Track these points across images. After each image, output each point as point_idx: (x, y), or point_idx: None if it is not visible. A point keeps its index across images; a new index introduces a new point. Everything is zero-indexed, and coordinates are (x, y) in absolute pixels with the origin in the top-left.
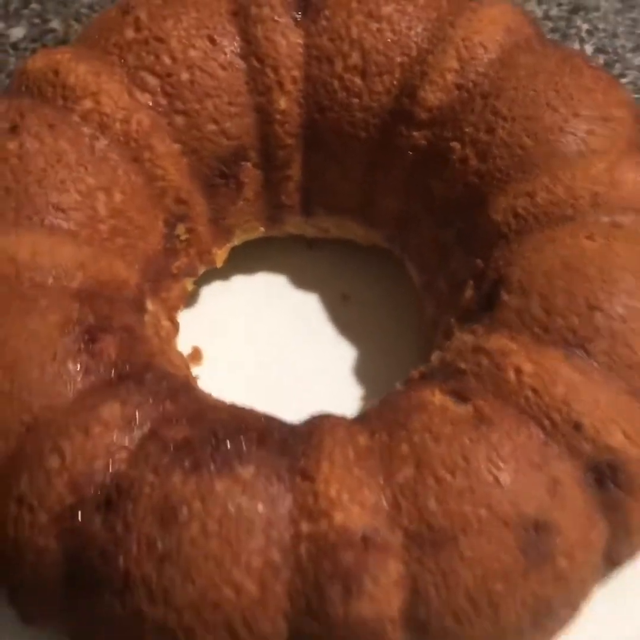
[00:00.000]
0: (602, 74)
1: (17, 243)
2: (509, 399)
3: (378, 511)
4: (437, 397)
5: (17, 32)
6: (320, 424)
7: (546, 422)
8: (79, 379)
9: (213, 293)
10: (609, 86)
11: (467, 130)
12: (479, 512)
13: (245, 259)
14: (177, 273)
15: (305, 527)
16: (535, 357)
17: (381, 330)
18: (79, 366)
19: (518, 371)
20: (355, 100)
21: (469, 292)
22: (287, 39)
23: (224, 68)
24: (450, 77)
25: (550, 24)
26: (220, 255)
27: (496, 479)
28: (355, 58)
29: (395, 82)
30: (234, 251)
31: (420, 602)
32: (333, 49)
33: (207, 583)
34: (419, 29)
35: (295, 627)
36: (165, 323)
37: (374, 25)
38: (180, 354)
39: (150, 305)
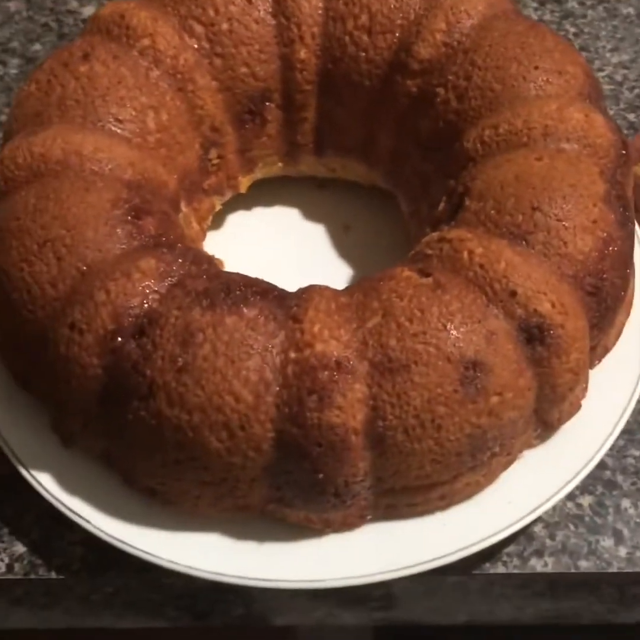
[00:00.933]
0: (561, 40)
1: (82, 140)
2: (461, 273)
3: (350, 346)
4: (405, 272)
5: (88, 11)
6: (310, 288)
7: (488, 290)
8: (124, 240)
9: (237, 219)
10: (567, 49)
11: (449, 77)
12: (428, 349)
13: (266, 194)
14: (207, 189)
15: (292, 353)
16: (485, 243)
17: (376, 255)
18: (125, 232)
19: (471, 252)
20: (362, 54)
21: (441, 206)
22: (309, 2)
23: (257, 22)
24: (438, 36)
25: None
26: (244, 182)
27: (444, 326)
28: (363, 19)
29: (395, 40)
30: (256, 187)
31: (379, 417)
32: (346, 11)
33: (213, 390)
34: None
35: (280, 431)
36: (195, 225)
37: None
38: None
39: (183, 207)
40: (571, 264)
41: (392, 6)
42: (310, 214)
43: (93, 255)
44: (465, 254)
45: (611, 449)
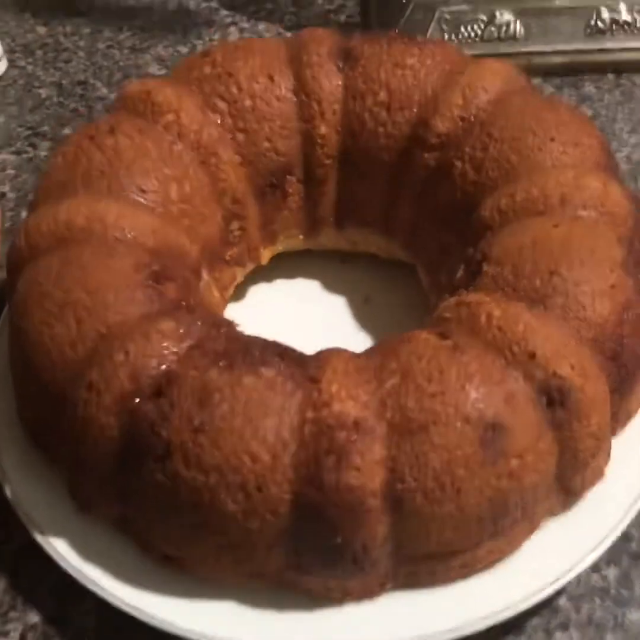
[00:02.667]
0: (577, 113)
1: (106, 209)
2: (480, 335)
3: (368, 406)
4: (423, 335)
5: None
6: (329, 350)
7: (507, 352)
8: (145, 304)
9: (258, 291)
10: (582, 122)
11: (466, 150)
12: (447, 410)
13: (288, 268)
14: (229, 260)
15: (310, 413)
16: (503, 306)
17: (396, 324)
18: (145, 295)
19: (489, 315)
20: (381, 129)
21: (460, 273)
22: (329, 81)
23: (279, 99)
24: (456, 110)
25: None
26: (265, 254)
27: (462, 387)
28: (382, 96)
29: (413, 115)
30: (278, 260)
31: (397, 479)
32: (366, 88)
33: (230, 450)
34: (434, 76)
35: (297, 493)
36: (216, 294)
37: (399, 72)
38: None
39: (205, 275)
40: (590, 327)
41: (410, 83)
42: (331, 287)
43: (113, 317)
44: (484, 317)
45: (637, 519)
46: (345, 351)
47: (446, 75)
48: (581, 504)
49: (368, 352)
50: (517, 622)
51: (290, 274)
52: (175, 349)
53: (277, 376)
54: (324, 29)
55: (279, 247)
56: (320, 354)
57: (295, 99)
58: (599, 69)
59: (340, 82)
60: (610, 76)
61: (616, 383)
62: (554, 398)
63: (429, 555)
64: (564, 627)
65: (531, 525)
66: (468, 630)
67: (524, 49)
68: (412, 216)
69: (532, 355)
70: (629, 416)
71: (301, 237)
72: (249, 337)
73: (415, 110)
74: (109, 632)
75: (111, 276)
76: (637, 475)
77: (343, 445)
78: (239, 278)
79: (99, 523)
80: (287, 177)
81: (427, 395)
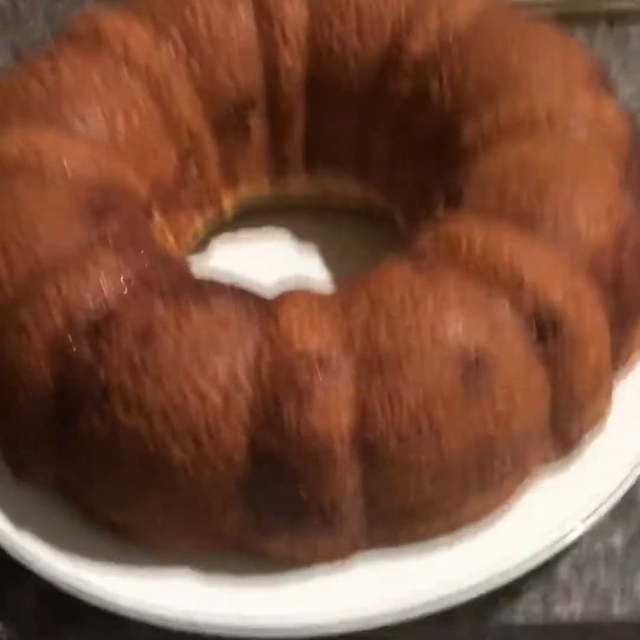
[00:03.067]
0: (565, 33)
1: (42, 139)
2: (460, 265)
3: (334, 342)
4: (396, 267)
5: None
6: (291, 289)
7: (492, 279)
8: (81, 236)
9: (223, 247)
10: (571, 42)
11: (444, 72)
12: (423, 344)
13: (255, 221)
14: (185, 202)
15: (267, 351)
16: (486, 232)
17: None
18: (83, 227)
19: (470, 242)
20: (351, 57)
21: (440, 206)
22: (293, 5)
23: (238, 26)
24: (432, 30)
25: None
26: (227, 199)
27: (441, 318)
28: (351, 20)
29: (386, 40)
30: (246, 218)
31: (368, 422)
32: (333, 13)
33: (176, 389)
34: None
35: (254, 440)
36: (171, 239)
37: None
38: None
39: (157, 216)
40: (585, 253)
41: (381, 5)
42: (304, 242)
43: (45, 251)
44: (464, 244)
45: None
46: (309, 290)
47: None
48: (582, 459)
49: (342, 288)
50: (510, 593)
51: (258, 230)
52: (115, 285)
53: (230, 311)
54: None
55: (243, 193)
56: (282, 293)
57: (256, 27)
58: (591, 19)
59: (305, 7)
60: (603, 26)
61: (615, 315)
62: (546, 329)
63: (407, 512)
64: (565, 600)
65: (524, 479)
66: (451, 602)
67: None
68: (388, 152)
69: (519, 282)
70: (631, 352)
71: (266, 181)
72: (203, 277)
73: (388, 34)
74: (50, 613)
75: (45, 208)
76: None
77: (305, 385)
78: (198, 225)
79: (37, 490)
80: (249, 111)
81: (401, 328)
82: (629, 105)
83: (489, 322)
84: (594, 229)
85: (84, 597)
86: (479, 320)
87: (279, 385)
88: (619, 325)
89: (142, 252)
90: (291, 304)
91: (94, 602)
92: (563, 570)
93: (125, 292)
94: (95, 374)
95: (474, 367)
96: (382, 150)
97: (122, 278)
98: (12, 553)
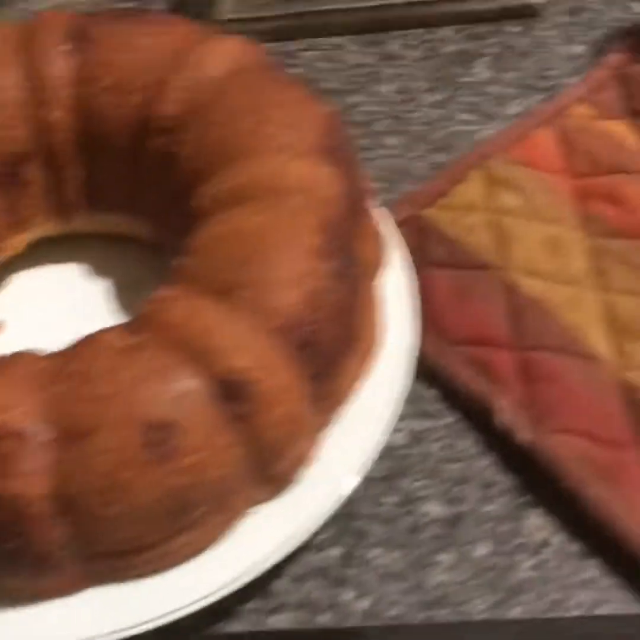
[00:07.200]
0: (302, 93)
1: None
2: (164, 333)
3: (33, 414)
4: (110, 333)
5: None
6: (20, 353)
7: (186, 348)
8: None
9: (20, 278)
10: (305, 101)
11: (190, 134)
12: (114, 413)
13: (50, 252)
14: None
15: None
16: (189, 303)
17: None
18: None
19: (173, 313)
20: (112, 113)
21: (174, 265)
22: (59, 65)
23: (8, 87)
24: (180, 93)
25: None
26: (15, 243)
27: (134, 388)
28: (108, 80)
29: (140, 99)
30: (39, 246)
31: (68, 484)
32: (95, 72)
33: None
34: (166, 57)
35: None
36: None
37: (128, 54)
38: None
39: None
40: (277, 317)
41: (139, 67)
42: (97, 270)
43: None
44: (169, 314)
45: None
46: (33, 354)
47: (178, 54)
48: (294, 489)
49: (58, 353)
50: (230, 609)
51: (52, 258)
52: None
53: None
54: (60, 11)
55: (34, 234)
56: (11, 356)
57: (27, 86)
58: (406, 25)
59: (72, 66)
60: (418, 32)
61: (312, 369)
62: (232, 392)
63: (116, 552)
64: (280, 609)
65: (230, 515)
66: (168, 619)
67: (323, 7)
68: (155, 201)
69: (209, 351)
70: (338, 397)
71: (51, 224)
72: None
73: (142, 94)
74: None
75: None
76: (358, 450)
77: (7, 454)
78: None
79: None
80: (25, 164)
81: (96, 398)
82: (430, 113)
83: (177, 391)
84: (285, 295)
85: None
86: (167, 389)
87: None
88: (318, 378)
89: None
90: (4, 375)
91: None
92: (282, 584)
93: None
94: None
95: (159, 432)
96: (148, 199)
97: None
98: None
